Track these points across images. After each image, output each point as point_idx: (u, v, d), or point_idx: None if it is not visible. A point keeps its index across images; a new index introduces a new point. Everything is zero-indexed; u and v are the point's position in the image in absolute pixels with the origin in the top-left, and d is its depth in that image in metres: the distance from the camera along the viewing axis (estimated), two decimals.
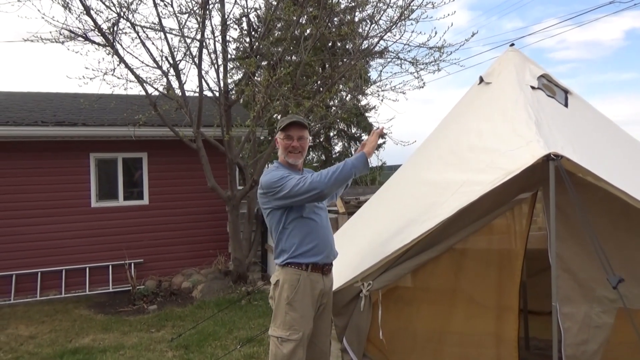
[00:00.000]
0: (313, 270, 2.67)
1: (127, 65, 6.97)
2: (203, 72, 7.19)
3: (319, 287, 2.70)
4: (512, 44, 3.64)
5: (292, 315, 2.60)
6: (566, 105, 3.34)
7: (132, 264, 7.94)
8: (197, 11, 6.88)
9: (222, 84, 7.42)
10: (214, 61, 7.29)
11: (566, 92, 3.48)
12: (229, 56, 8.11)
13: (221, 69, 7.36)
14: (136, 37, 6.99)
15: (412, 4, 7.02)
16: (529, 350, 3.90)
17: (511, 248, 3.08)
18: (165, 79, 7.22)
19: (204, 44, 7.04)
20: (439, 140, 3.58)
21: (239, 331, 5.31)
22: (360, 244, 3.39)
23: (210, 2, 6.89)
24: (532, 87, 3.23)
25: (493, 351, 2.97)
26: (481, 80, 3.60)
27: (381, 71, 8.28)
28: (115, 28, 6.80)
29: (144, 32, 7.06)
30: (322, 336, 2.79)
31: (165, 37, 6.96)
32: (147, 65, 7.23)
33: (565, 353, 2.55)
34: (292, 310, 2.61)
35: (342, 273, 3.03)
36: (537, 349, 3.89)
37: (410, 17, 7.14)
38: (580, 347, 2.59)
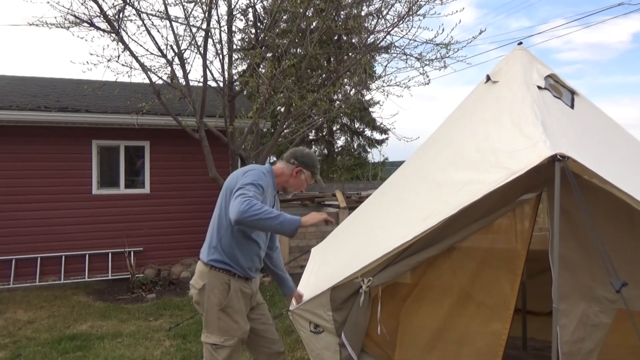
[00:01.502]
0: (240, 278, 2.66)
1: (131, 53, 6.95)
2: (208, 62, 7.17)
3: (248, 293, 2.72)
4: (520, 43, 3.61)
5: (226, 322, 2.58)
6: (572, 106, 3.32)
7: (132, 252, 7.95)
8: (204, 0, 6.84)
9: (226, 75, 7.39)
10: (219, 51, 7.26)
11: (573, 93, 3.45)
12: (234, 47, 8.07)
13: (226, 59, 7.34)
14: (141, 25, 6.96)
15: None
16: (527, 350, 3.91)
17: (513, 248, 3.06)
18: (169, 68, 7.20)
19: (210, 33, 7.01)
20: (444, 138, 3.56)
21: None
22: (361, 239, 3.38)
23: None
24: (539, 87, 3.20)
25: (489, 349, 2.97)
26: (488, 78, 3.57)
27: (386, 66, 8.24)
28: (120, 15, 6.77)
29: (150, 19, 7.04)
30: (269, 327, 2.88)
31: (171, 26, 6.93)
32: (152, 54, 7.21)
33: (562, 350, 2.55)
34: (225, 317, 2.58)
35: (342, 269, 3.03)
36: (534, 349, 3.90)
37: (418, 13, 7.10)
38: (577, 345, 2.59)
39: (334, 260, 3.41)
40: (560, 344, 2.55)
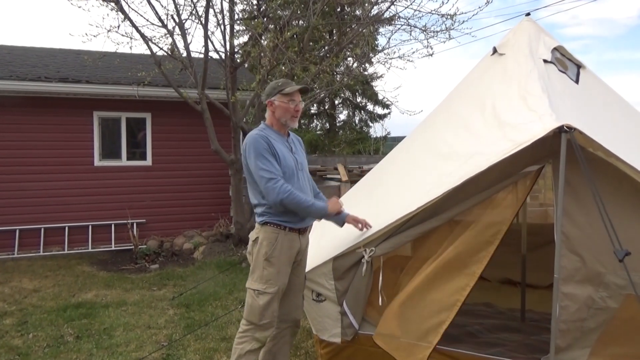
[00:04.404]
0: (290, 231, 2.80)
1: (131, 23, 6.85)
2: (209, 33, 7.07)
3: (295, 246, 2.84)
4: (528, 14, 3.56)
5: (270, 271, 2.75)
6: (577, 81, 3.29)
7: (135, 224, 8.01)
8: None
9: (228, 46, 7.30)
10: (220, 22, 7.15)
11: (579, 66, 3.42)
12: (236, 16, 7.95)
13: (227, 29, 7.23)
14: None
15: None
16: (525, 321, 3.97)
17: (499, 220, 3.00)
18: (170, 39, 7.11)
19: (211, 3, 6.89)
20: (449, 110, 3.54)
21: (239, 292, 5.40)
22: (363, 210, 3.39)
23: None
24: (545, 61, 3.17)
25: (447, 299, 2.88)
26: (495, 50, 3.53)
27: (390, 38, 8.17)
28: None
29: None
30: (296, 291, 2.97)
31: None
32: (152, 24, 7.11)
33: (559, 327, 2.57)
34: (269, 266, 2.75)
35: (344, 239, 3.06)
36: (532, 320, 3.96)
37: None
38: (576, 324, 2.60)
39: (337, 230, 3.43)
40: (558, 322, 2.56)
